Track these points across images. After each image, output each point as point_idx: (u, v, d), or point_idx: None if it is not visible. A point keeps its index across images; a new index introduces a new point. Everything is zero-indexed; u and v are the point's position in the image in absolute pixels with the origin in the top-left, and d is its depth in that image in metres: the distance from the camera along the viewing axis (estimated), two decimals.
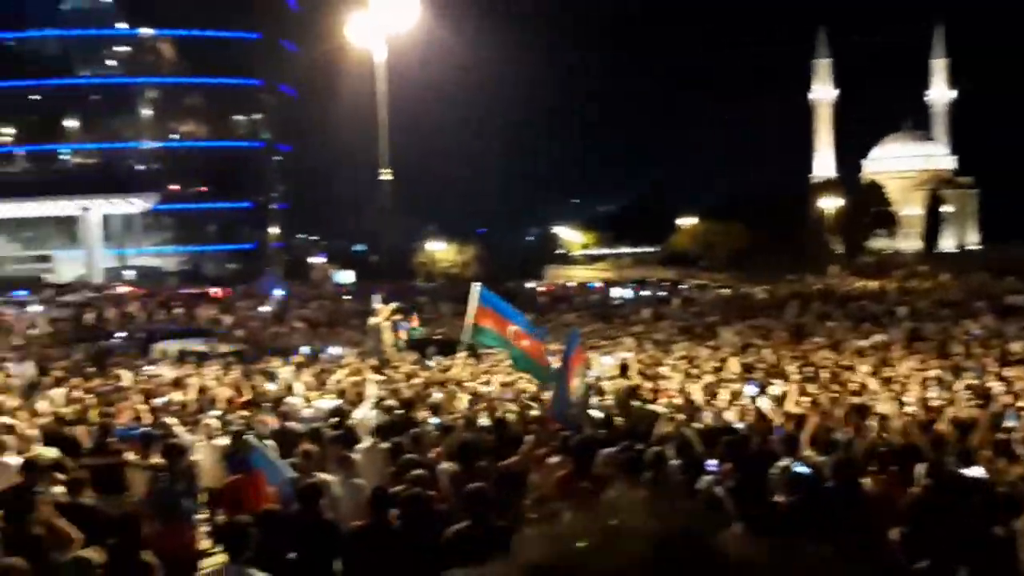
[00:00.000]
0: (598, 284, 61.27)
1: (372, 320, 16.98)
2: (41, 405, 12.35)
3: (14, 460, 8.60)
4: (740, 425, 10.15)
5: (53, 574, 5.54)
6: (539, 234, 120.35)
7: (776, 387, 12.62)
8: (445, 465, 7.74)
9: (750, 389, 11.85)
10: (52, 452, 9.17)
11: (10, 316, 29.78)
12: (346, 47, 19.59)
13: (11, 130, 71.84)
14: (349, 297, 41.38)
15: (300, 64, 77.23)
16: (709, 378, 14.08)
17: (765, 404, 10.90)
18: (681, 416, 10.41)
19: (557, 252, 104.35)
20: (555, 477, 7.16)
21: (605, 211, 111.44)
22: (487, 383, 14.24)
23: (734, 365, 15.96)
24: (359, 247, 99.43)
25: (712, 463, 7.42)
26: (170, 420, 10.48)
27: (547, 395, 12.54)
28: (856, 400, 11.03)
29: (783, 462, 7.30)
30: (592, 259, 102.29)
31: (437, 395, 12.34)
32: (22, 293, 43.57)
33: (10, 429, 10.11)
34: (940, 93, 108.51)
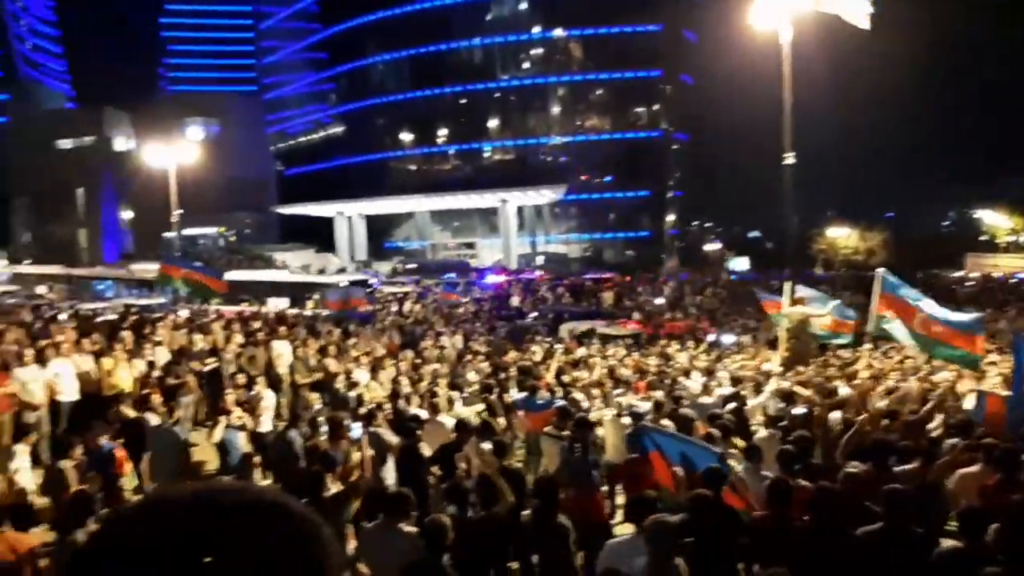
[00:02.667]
0: None
1: (792, 310, 16.38)
2: (470, 375, 13.94)
3: (448, 420, 9.83)
4: None
5: (489, 525, 6.27)
6: (957, 218, 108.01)
7: None
8: (851, 466, 7.41)
9: None
10: (475, 415, 10.41)
11: (443, 296, 33.81)
12: (748, 33, 19.25)
13: (444, 131, 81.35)
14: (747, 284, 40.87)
15: (700, 53, 77.40)
16: None
17: None
18: None
19: (980, 238, 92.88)
20: (977, 487, 6.52)
21: None
22: (902, 379, 13.21)
23: None
24: (754, 233, 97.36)
25: None
26: (578, 396, 11.26)
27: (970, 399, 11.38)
28: None
29: None
30: (1022, 246, 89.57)
31: (844, 390, 11.75)
32: (451, 276, 49.33)
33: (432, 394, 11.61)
34: None
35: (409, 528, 5.82)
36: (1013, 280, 48.15)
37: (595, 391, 11.83)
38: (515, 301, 34.44)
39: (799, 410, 10.28)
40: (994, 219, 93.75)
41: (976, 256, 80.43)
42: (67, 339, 13.56)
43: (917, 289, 13.45)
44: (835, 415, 10.24)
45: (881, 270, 12.49)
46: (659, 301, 34.99)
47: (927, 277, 45.99)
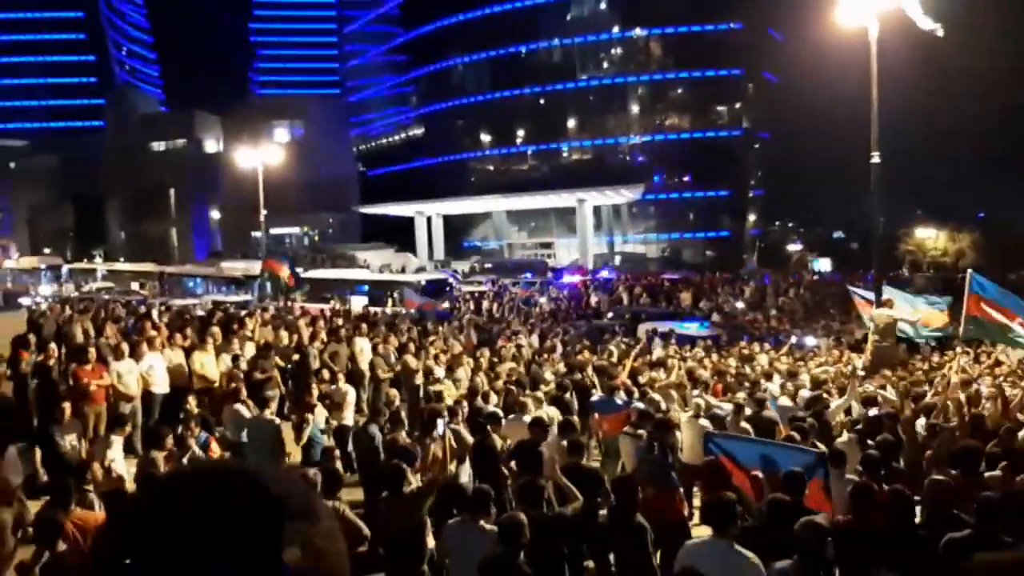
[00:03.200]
0: None
1: (878, 312, 15.92)
2: (547, 375, 14.00)
3: (526, 418, 9.91)
4: None
5: (557, 524, 6.33)
6: None
7: None
8: (936, 475, 7.24)
9: None
10: (555, 413, 10.46)
11: (520, 293, 33.96)
12: (833, 30, 18.85)
13: (522, 132, 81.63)
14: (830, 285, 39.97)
15: (784, 51, 75.90)
16: None
17: None
18: None
19: None
20: None
21: None
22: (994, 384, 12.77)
23: None
24: (838, 234, 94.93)
25: None
26: (656, 396, 11.20)
27: None
28: None
29: None
30: None
31: (930, 396, 11.43)
32: (529, 275, 49.50)
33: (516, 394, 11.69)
34: None
35: (489, 526, 5.88)
36: None
37: (674, 393, 11.76)
38: (594, 300, 34.40)
39: (881, 414, 10.04)
40: None
41: None
42: (159, 334, 14.12)
43: (1010, 292, 12.99)
44: (921, 421, 9.99)
45: (970, 271, 12.11)
46: (739, 305, 34.51)
47: (1020, 279, 44.10)
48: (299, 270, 36.82)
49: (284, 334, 16.31)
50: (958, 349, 13.10)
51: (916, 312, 15.75)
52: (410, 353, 15.14)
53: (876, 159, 17.26)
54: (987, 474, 7.07)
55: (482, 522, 5.94)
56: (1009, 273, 49.72)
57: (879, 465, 7.04)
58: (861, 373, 14.41)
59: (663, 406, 10.36)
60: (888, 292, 16.36)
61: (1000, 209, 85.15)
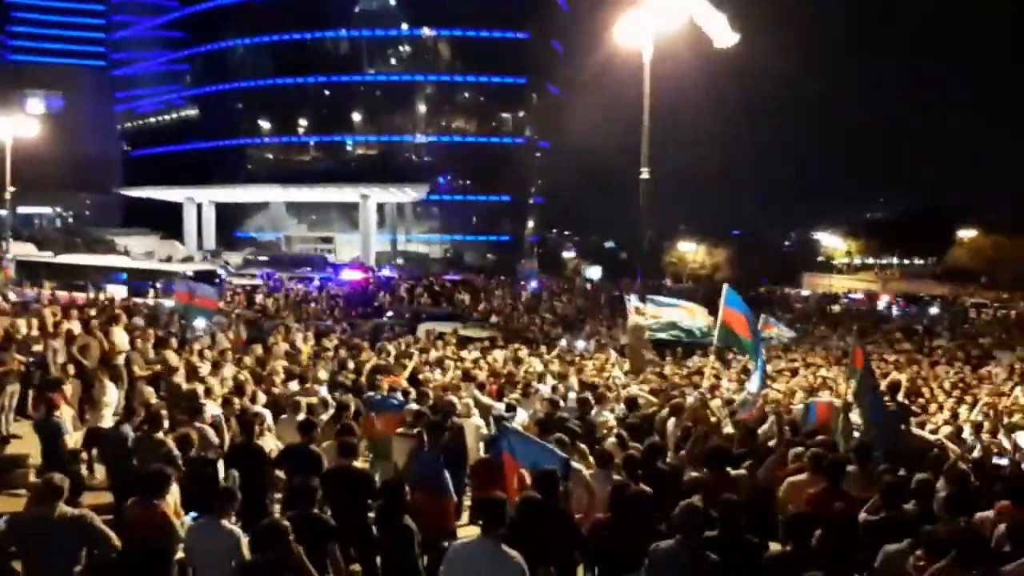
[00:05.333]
0: (860, 296, 57.60)
1: (632, 319, 16.89)
2: (322, 373, 13.58)
3: (298, 419, 9.58)
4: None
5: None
6: (798, 239, 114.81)
7: None
8: (692, 472, 7.68)
9: None
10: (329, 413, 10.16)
11: (298, 289, 32.90)
12: (613, 47, 19.76)
13: (305, 121, 79.46)
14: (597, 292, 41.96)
15: (566, 63, 78.99)
16: (985, 407, 12.87)
17: None
18: (954, 446, 9.60)
19: (817, 259, 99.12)
20: (806, 494, 6.88)
21: (872, 218, 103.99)
22: (740, 389, 13.84)
23: (1020, 395, 14.46)
24: (610, 244, 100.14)
25: None
26: (453, 398, 11.16)
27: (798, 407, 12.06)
28: None
29: None
30: (855, 268, 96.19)
31: (690, 398, 12.16)
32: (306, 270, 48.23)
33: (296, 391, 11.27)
34: None
35: (230, 525, 5.83)
36: (844, 300, 51.46)
37: (462, 393, 11.77)
38: (380, 299, 34.02)
39: (640, 415, 10.57)
40: (831, 241, 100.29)
41: (813, 275, 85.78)
42: None
43: (752, 305, 14.19)
44: (673, 422, 10.60)
45: (726, 285, 13.11)
46: (518, 308, 35.39)
47: (768, 292, 48.53)
48: (48, 254, 33.66)
49: (21, 322, 14.77)
50: (711, 358, 14.06)
51: (689, 312, 16.56)
52: (171, 348, 14.17)
53: (646, 175, 18.26)
54: (733, 472, 7.59)
55: (224, 521, 5.82)
56: (759, 286, 54.65)
57: (639, 465, 7.35)
58: (621, 377, 15.14)
59: (448, 406, 10.33)
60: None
61: (754, 227, 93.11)
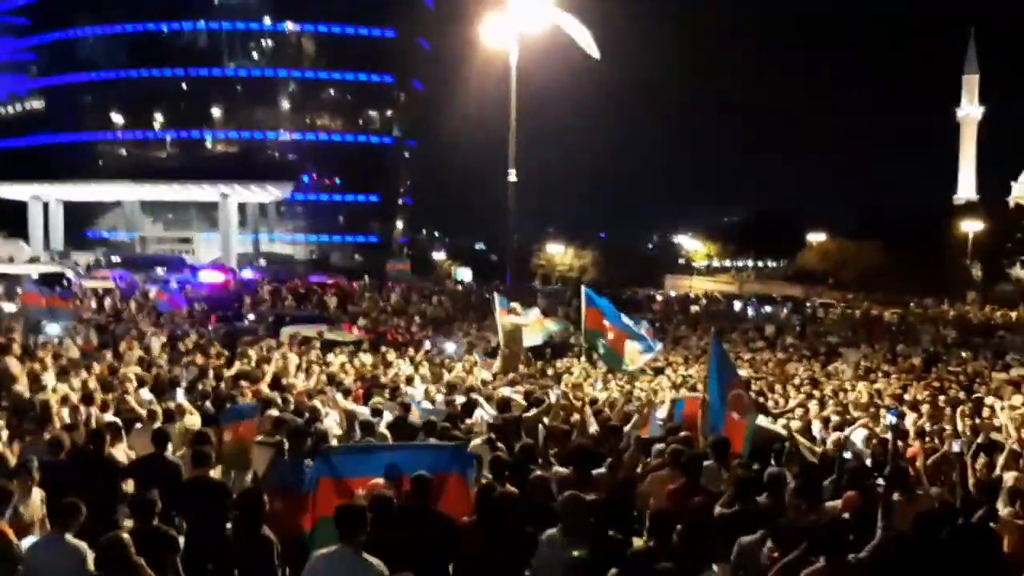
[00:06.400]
0: (718, 297, 59.96)
1: (507, 319, 17.01)
2: (182, 381, 12.98)
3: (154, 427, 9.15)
4: (863, 452, 9.78)
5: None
6: (661, 241, 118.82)
7: (909, 417, 12.13)
8: (558, 469, 7.74)
9: (890, 418, 11.29)
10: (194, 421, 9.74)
11: (152, 292, 31.40)
12: (480, 47, 19.82)
13: (160, 116, 76.14)
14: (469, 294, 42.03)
15: (433, 62, 78.85)
16: (832, 402, 13.63)
17: (901, 434, 10.38)
18: (803, 439, 10.08)
19: (679, 261, 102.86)
20: (667, 490, 7.05)
21: (730, 221, 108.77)
22: (605, 388, 14.12)
23: (862, 390, 15.35)
24: (480, 245, 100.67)
25: None
26: (316, 404, 10.86)
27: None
28: (995, 436, 10.41)
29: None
30: (714, 270, 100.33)
31: (553, 399, 12.30)
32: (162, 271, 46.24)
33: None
34: None
35: (75, 541, 5.54)
36: (703, 301, 53.40)
37: (319, 398, 11.48)
38: (242, 301, 32.89)
39: (508, 417, 10.60)
40: (691, 244, 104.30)
41: (674, 277, 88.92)
42: None
43: (615, 306, 14.51)
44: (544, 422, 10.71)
45: (584, 288, 13.42)
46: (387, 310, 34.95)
47: (631, 294, 49.82)
48: None
49: None
50: (580, 359, 14.32)
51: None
52: (13, 355, 13.25)
53: (513, 177, 18.41)
54: (595, 471, 7.70)
55: (68, 536, 5.54)
56: (623, 288, 56.09)
57: (506, 467, 7.35)
58: (490, 378, 15.19)
59: (310, 413, 10.04)
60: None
61: (618, 231, 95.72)
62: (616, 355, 12.95)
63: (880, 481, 7.45)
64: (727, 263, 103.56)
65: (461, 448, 7.25)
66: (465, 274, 71.99)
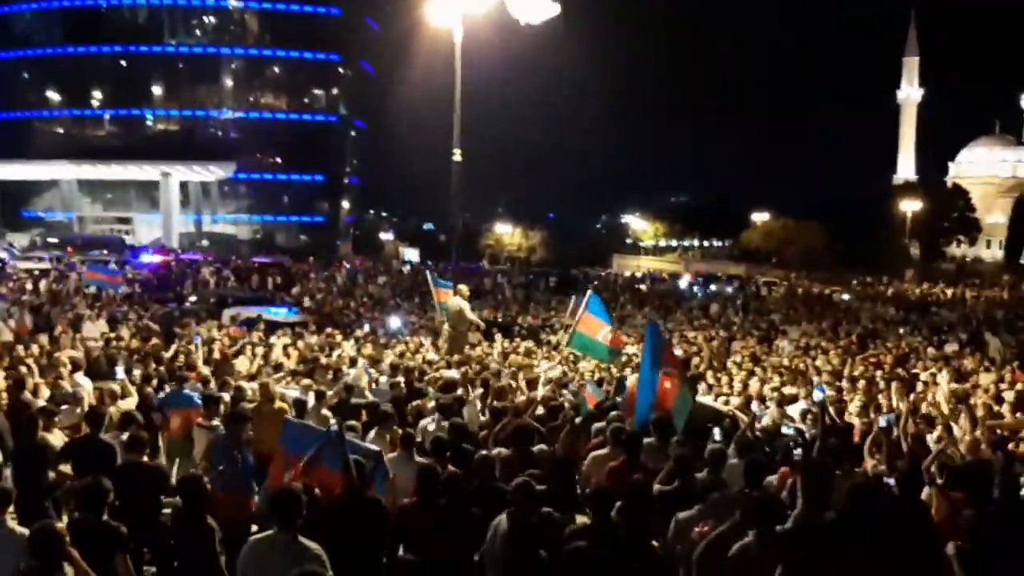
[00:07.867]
0: (664, 276, 60.65)
1: (451, 300, 17.06)
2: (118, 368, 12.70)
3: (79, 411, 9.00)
4: (803, 428, 9.98)
5: None
6: (609, 221, 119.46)
7: (844, 393, 12.40)
8: (499, 450, 7.76)
9: (817, 394, 11.56)
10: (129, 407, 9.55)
11: (91, 275, 30.67)
12: (426, 26, 19.58)
13: (99, 94, 74.02)
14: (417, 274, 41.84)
15: (380, 41, 77.84)
16: (773, 378, 13.86)
17: (831, 409, 10.61)
18: (743, 415, 10.25)
19: (626, 241, 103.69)
20: (607, 468, 7.13)
21: (677, 202, 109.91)
22: (550, 369, 14.17)
23: (800, 366, 15.67)
24: (428, 226, 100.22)
25: None
26: (236, 385, 10.69)
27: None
28: (928, 411, 10.71)
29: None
30: (660, 250, 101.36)
31: (496, 379, 12.31)
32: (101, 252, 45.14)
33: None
34: None
35: (11, 524, 5.44)
36: (649, 280, 53.94)
37: (254, 383, 11.32)
38: (183, 283, 32.29)
39: (452, 398, 10.60)
40: (639, 225, 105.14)
41: (622, 256, 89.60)
42: None
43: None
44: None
45: (590, 292, 13.48)
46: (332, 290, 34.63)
47: (578, 274, 50.10)
48: None
49: None
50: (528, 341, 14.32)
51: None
52: None
53: (458, 157, 18.30)
54: (536, 448, 7.77)
55: (7, 521, 5.42)
56: (570, 269, 56.36)
57: (446, 447, 7.35)
58: (435, 359, 15.18)
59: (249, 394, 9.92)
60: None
61: (566, 211, 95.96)
62: (615, 350, 12.99)
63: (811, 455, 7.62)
64: (673, 243, 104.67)
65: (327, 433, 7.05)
66: (413, 254, 71.68)
